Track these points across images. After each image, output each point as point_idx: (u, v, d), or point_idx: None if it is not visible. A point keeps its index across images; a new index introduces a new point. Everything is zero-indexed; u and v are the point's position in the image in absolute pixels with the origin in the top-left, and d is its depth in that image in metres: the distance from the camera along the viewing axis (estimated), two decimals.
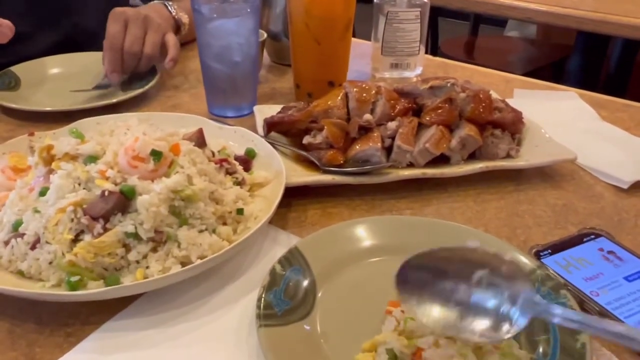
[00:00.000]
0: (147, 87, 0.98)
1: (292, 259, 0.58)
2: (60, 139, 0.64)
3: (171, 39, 0.99)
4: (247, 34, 0.88)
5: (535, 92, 1.00)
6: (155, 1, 1.09)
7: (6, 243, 0.57)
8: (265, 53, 1.12)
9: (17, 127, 0.89)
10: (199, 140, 0.69)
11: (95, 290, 0.53)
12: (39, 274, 0.55)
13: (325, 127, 0.76)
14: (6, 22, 0.80)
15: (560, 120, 0.89)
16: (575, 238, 0.64)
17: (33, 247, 0.56)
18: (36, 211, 0.57)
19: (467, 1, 1.73)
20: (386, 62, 1.06)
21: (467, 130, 0.74)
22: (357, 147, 0.75)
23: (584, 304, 0.55)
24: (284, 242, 0.64)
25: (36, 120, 0.89)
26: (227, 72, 0.89)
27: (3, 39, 0.80)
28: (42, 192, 0.59)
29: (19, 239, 0.56)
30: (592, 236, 0.64)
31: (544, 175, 0.77)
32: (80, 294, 0.53)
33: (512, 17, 2.04)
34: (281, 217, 0.68)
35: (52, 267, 0.55)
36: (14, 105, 0.91)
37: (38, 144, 0.71)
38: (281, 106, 0.85)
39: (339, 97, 0.79)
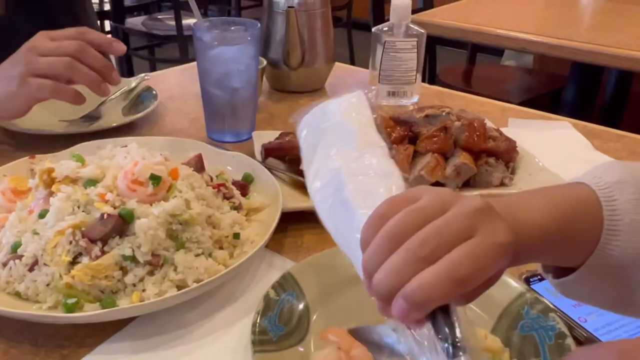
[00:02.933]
0: (147, 111, 0.99)
1: (286, 285, 0.58)
2: (61, 162, 0.65)
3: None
4: (247, 61, 0.90)
5: (529, 122, 1.02)
6: None
7: (4, 264, 0.58)
8: (264, 80, 1.14)
9: (18, 150, 0.90)
10: (198, 165, 0.70)
11: (91, 312, 0.54)
12: (36, 295, 0.56)
13: None
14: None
15: (553, 149, 0.91)
16: None
17: (31, 269, 0.57)
18: (35, 233, 0.58)
19: (464, 31, 1.76)
20: (383, 90, 1.08)
21: (461, 158, 0.76)
22: None
23: (572, 329, 0.55)
24: (279, 266, 0.65)
25: (37, 143, 0.90)
26: (226, 98, 0.91)
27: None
28: (42, 215, 0.60)
29: (17, 261, 0.57)
30: None
31: None
32: (76, 316, 0.53)
33: (508, 47, 2.08)
34: (277, 241, 0.69)
35: (50, 289, 0.55)
36: (14, 128, 0.92)
37: (38, 166, 0.72)
38: (279, 132, 0.86)
39: None
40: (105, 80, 0.83)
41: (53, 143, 0.87)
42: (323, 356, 0.50)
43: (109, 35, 3.27)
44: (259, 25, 0.90)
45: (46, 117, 0.98)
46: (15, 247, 0.58)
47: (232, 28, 0.91)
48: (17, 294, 0.57)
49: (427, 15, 1.84)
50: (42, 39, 0.82)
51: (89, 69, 0.81)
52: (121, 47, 0.86)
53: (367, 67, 1.20)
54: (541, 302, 0.56)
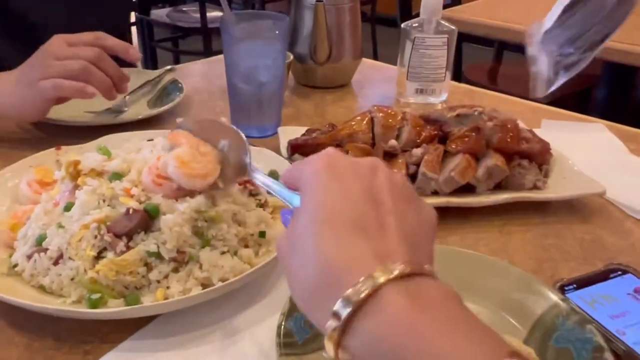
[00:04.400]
0: (172, 104, 0.98)
1: None
2: (87, 154, 0.64)
3: None
4: (274, 55, 0.89)
5: (563, 123, 0.99)
6: None
7: (29, 257, 0.57)
8: (290, 74, 1.13)
9: (44, 140, 0.90)
10: None
11: (114, 309, 0.53)
12: (61, 289, 0.55)
13: (350, 151, 0.75)
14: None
15: (588, 152, 0.88)
16: (602, 274, 0.62)
17: (56, 263, 0.56)
18: (60, 226, 0.58)
19: (493, 28, 1.73)
20: (411, 87, 1.06)
21: (494, 160, 0.73)
22: None
23: (609, 342, 0.53)
24: None
25: (63, 134, 0.90)
26: (253, 92, 0.90)
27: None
28: (67, 208, 0.59)
29: (42, 254, 0.56)
30: (619, 272, 0.62)
31: (571, 208, 0.76)
32: (100, 312, 0.53)
33: None
34: None
35: (74, 283, 0.55)
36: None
37: (64, 158, 0.72)
38: (305, 128, 0.85)
39: (365, 122, 0.79)
40: (115, 87, 0.85)
41: (79, 134, 0.87)
42: (177, 153, 0.58)
43: (134, 27, 3.29)
44: (287, 18, 0.89)
45: (72, 108, 0.97)
46: (40, 240, 0.58)
47: (260, 22, 0.90)
48: (41, 287, 0.56)
49: (455, 12, 1.81)
50: (58, 43, 0.83)
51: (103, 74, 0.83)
52: (136, 55, 0.87)
53: (390, 63, 1.18)
54: (577, 313, 0.53)
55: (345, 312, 0.34)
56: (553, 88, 0.53)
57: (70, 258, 0.55)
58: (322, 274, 0.36)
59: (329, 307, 0.35)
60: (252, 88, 0.90)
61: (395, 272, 0.34)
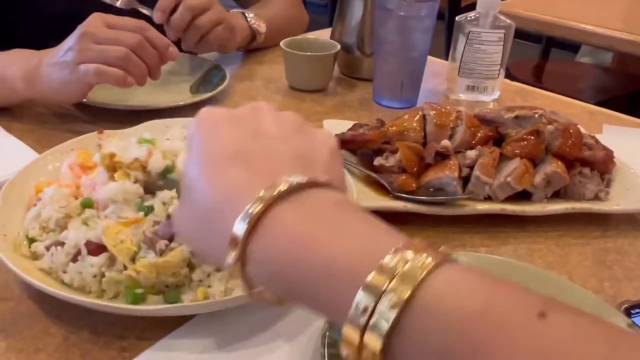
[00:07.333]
0: (215, 91, 0.96)
1: None
2: (130, 149, 0.61)
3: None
4: (424, 32, 0.94)
5: (625, 130, 0.93)
6: (233, 10, 1.09)
7: (47, 249, 0.54)
8: (335, 65, 1.09)
9: (86, 123, 0.88)
10: None
11: (154, 307, 0.51)
12: (83, 287, 0.53)
13: (400, 149, 0.72)
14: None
15: None
16: None
17: (74, 260, 0.53)
18: (85, 223, 0.55)
19: (546, 24, 1.66)
20: (462, 83, 1.01)
21: (553, 166, 0.69)
22: (432, 174, 0.71)
23: None
24: None
25: (104, 116, 0.88)
26: (402, 66, 0.96)
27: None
28: (86, 204, 0.56)
29: (58, 248, 0.53)
30: None
31: (634, 222, 0.71)
32: (139, 309, 0.51)
33: (592, 44, 1.95)
34: None
35: (96, 281, 0.52)
36: (83, 100, 0.90)
37: (106, 142, 0.70)
38: (351, 122, 0.81)
39: (416, 119, 0.75)
40: (150, 74, 0.83)
41: (120, 117, 0.85)
42: None
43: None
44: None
45: (114, 89, 0.96)
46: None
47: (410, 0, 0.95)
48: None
49: (506, 5, 1.74)
50: (97, 24, 0.80)
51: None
52: (175, 53, 0.86)
53: (437, 56, 1.14)
54: None
55: (239, 240, 0.33)
56: None
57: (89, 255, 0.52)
58: (207, 212, 0.36)
59: (225, 244, 0.34)
60: (403, 62, 0.95)
61: (282, 188, 0.33)
